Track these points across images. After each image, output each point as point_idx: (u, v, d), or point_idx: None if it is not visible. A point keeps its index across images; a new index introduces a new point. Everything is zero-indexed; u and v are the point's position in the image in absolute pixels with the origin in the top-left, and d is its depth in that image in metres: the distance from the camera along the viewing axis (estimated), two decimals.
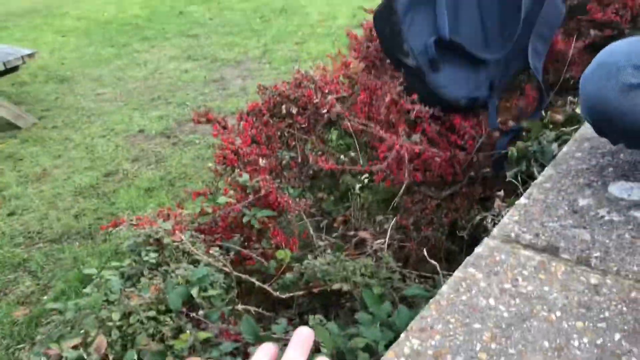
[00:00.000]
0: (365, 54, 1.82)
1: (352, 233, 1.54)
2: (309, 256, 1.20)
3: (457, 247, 1.52)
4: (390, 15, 1.50)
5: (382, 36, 1.61)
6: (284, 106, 1.53)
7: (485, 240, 0.91)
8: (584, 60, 1.86)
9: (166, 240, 1.20)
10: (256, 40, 4.61)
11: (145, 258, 1.16)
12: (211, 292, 0.87)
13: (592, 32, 1.80)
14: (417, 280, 1.21)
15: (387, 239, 1.23)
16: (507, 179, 1.32)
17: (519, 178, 1.30)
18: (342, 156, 1.66)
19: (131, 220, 1.33)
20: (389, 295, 1.09)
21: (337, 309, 1.26)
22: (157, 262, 1.17)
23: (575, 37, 1.88)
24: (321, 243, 1.46)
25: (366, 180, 1.72)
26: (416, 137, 1.61)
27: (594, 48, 1.89)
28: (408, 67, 1.55)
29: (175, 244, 1.21)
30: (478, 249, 0.89)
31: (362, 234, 1.49)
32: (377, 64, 1.78)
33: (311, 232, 1.46)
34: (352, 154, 1.70)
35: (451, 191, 1.67)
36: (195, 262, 1.16)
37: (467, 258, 0.87)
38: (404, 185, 1.63)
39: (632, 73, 0.81)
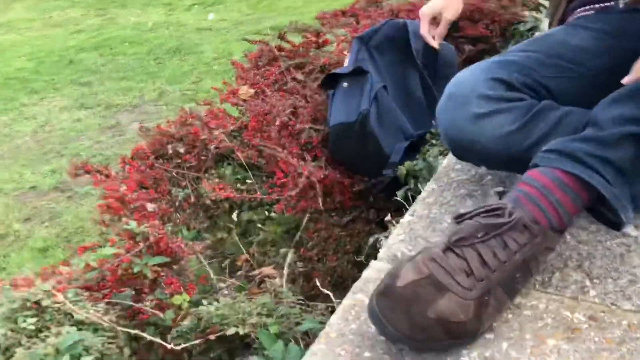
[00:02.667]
0: (253, 80, 1.80)
1: (256, 271, 1.49)
2: (204, 301, 1.13)
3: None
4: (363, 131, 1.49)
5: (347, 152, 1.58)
6: (169, 146, 1.47)
7: (372, 263, 0.89)
8: None
9: (45, 303, 1.09)
10: (152, 83, 4.50)
11: (23, 325, 1.05)
12: (84, 359, 0.79)
13: (466, 47, 1.89)
14: (323, 313, 1.17)
15: (285, 274, 1.19)
16: (396, 199, 1.32)
17: (409, 196, 1.31)
18: (238, 185, 1.61)
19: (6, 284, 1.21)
20: (290, 333, 1.04)
21: (244, 354, 1.19)
22: (37, 327, 1.06)
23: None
24: (222, 285, 1.40)
25: (267, 212, 1.67)
26: (319, 162, 1.60)
27: (471, 61, 1.98)
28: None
29: (57, 305, 1.10)
30: (365, 273, 0.87)
31: (266, 270, 1.44)
32: (266, 91, 1.77)
33: (211, 275, 1.39)
34: (249, 182, 1.66)
35: (352, 217, 1.67)
36: (80, 324, 1.06)
37: (355, 284, 0.85)
38: (307, 214, 1.60)
39: (477, 103, 0.86)
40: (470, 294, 0.65)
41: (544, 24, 1.88)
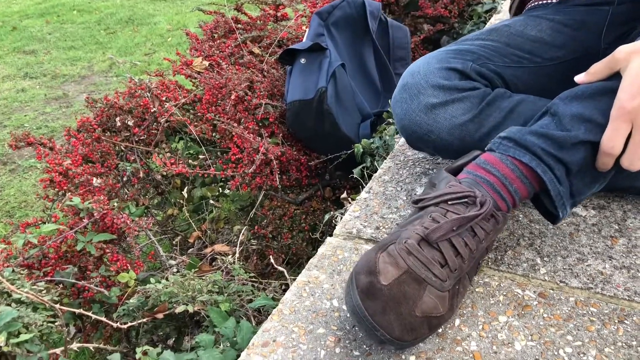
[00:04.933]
0: (208, 52, 1.74)
1: (208, 249, 1.46)
2: (152, 279, 1.09)
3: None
4: (320, 109, 1.46)
5: (304, 130, 1.54)
6: (118, 118, 1.41)
7: (328, 239, 0.88)
8: (422, 54, 1.94)
9: None
10: (101, 54, 4.32)
11: None
12: (23, 337, 0.75)
13: (425, 26, 1.88)
14: (276, 291, 1.15)
15: (238, 251, 1.16)
16: (353, 176, 1.31)
17: (365, 174, 1.30)
18: (191, 160, 1.56)
19: None
20: (242, 311, 1.02)
21: (194, 332, 1.17)
22: None
23: (411, 32, 1.95)
24: (172, 262, 1.36)
25: (220, 189, 1.63)
26: (276, 138, 1.57)
27: (429, 41, 1.98)
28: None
29: None
30: (321, 249, 0.85)
31: (218, 247, 1.41)
32: (221, 63, 1.71)
33: (161, 252, 1.35)
34: (202, 157, 1.61)
35: (308, 194, 1.65)
36: (19, 303, 1.01)
37: (311, 260, 0.83)
38: (262, 191, 1.57)
39: (431, 93, 0.85)
40: (445, 285, 0.64)
41: (504, 5, 1.89)
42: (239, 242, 1.21)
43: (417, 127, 0.87)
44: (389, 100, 1.54)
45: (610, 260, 0.78)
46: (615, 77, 0.69)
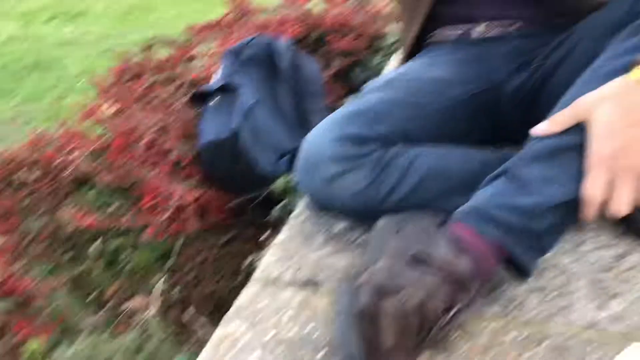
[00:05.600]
0: (117, 96, 1.68)
1: (125, 304, 1.38)
2: (63, 344, 1.02)
3: None
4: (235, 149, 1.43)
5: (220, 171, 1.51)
6: (18, 174, 1.32)
7: (246, 288, 0.85)
8: (335, 88, 1.97)
9: None
10: (6, 102, 4.11)
11: None
12: None
13: (336, 61, 1.92)
14: (200, 343, 1.10)
15: (156, 305, 1.11)
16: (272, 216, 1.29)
17: (286, 211, 1.28)
18: (102, 211, 1.48)
19: None
20: None
21: None
22: None
23: (323, 67, 1.98)
24: (87, 323, 1.27)
25: (136, 239, 1.56)
26: (191, 181, 1.52)
27: (341, 75, 2.01)
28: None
29: None
30: (239, 300, 0.82)
31: (135, 302, 1.34)
32: (131, 107, 1.66)
33: (73, 312, 1.26)
34: (115, 207, 1.54)
35: (230, 236, 1.61)
36: None
37: (227, 314, 0.80)
38: (180, 237, 1.52)
39: (330, 164, 0.85)
40: None
41: None
42: (156, 295, 1.15)
43: (320, 197, 0.88)
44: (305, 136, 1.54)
45: (525, 283, 0.80)
46: (570, 131, 0.70)
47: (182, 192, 1.37)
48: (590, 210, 0.69)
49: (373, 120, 0.88)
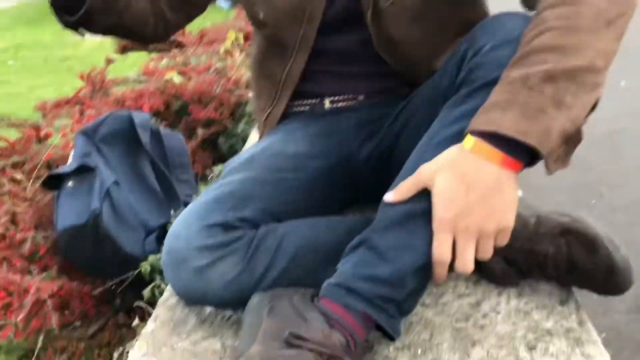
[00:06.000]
0: None
1: None
2: None
3: None
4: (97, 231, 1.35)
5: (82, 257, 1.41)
6: None
7: None
8: (202, 158, 1.96)
9: None
10: None
11: None
12: None
13: (199, 130, 1.91)
14: None
15: None
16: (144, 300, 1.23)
17: (156, 294, 1.22)
18: None
19: None
20: None
21: None
22: None
23: (188, 137, 1.97)
24: None
25: None
26: (50, 272, 1.40)
27: (207, 143, 2.01)
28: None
29: None
30: None
31: None
32: None
33: None
34: None
35: (98, 326, 1.50)
36: None
37: None
38: (41, 334, 1.39)
39: (197, 256, 0.83)
40: None
41: None
42: None
43: (192, 292, 0.84)
44: (172, 211, 1.51)
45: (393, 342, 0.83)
46: (417, 198, 0.74)
47: (39, 286, 1.26)
48: (441, 271, 0.74)
49: (237, 205, 0.87)
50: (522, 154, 0.69)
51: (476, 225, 0.69)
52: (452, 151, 0.72)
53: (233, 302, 0.85)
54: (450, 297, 0.92)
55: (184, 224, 0.85)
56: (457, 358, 0.79)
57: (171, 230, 0.86)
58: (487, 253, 0.72)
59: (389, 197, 0.76)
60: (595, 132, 2.98)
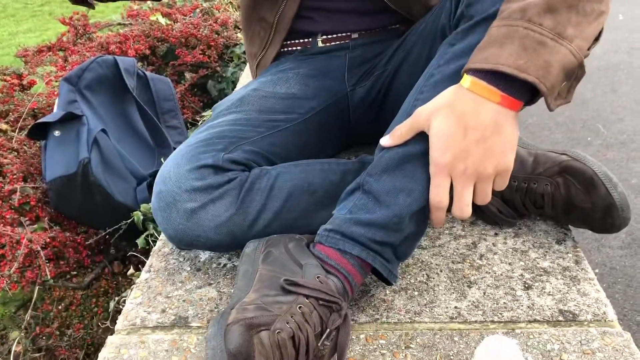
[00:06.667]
0: None
1: None
2: None
3: None
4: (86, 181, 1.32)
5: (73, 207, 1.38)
6: None
7: (109, 339, 0.79)
8: (192, 102, 1.91)
9: None
10: None
11: None
12: None
13: (187, 75, 1.86)
14: None
15: None
16: (139, 247, 1.22)
17: (150, 242, 1.22)
18: None
19: None
20: None
21: None
22: None
23: (177, 82, 1.91)
24: None
25: None
26: (41, 223, 1.39)
27: (196, 88, 1.95)
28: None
29: None
30: (102, 353, 0.76)
31: None
32: None
33: None
34: None
35: (94, 275, 1.50)
36: None
37: None
38: (37, 285, 1.39)
39: (188, 198, 0.80)
40: None
41: None
42: (17, 354, 1.04)
43: (183, 234, 0.82)
44: (162, 158, 1.48)
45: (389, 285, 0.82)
46: (413, 140, 0.72)
47: (31, 237, 1.24)
48: (438, 216, 0.72)
49: (227, 147, 0.85)
50: (522, 91, 0.66)
51: (474, 168, 0.67)
52: (449, 91, 0.69)
53: (226, 245, 0.83)
54: (447, 239, 0.92)
55: (173, 166, 0.83)
56: (454, 299, 0.79)
57: (160, 172, 0.84)
58: (485, 197, 0.70)
59: (385, 141, 0.74)
60: (591, 67, 2.94)
